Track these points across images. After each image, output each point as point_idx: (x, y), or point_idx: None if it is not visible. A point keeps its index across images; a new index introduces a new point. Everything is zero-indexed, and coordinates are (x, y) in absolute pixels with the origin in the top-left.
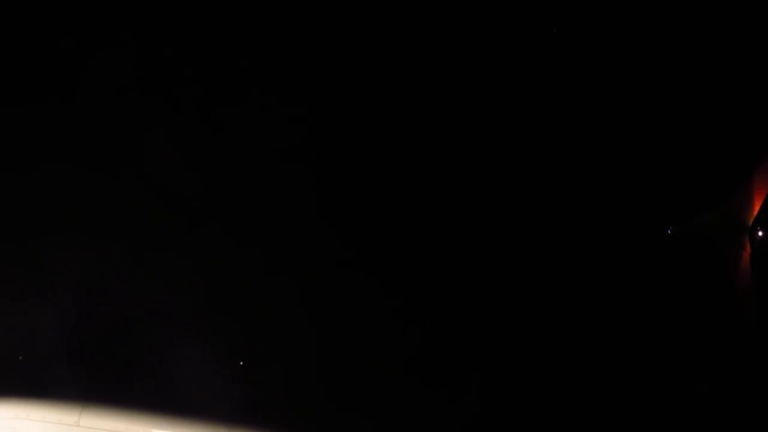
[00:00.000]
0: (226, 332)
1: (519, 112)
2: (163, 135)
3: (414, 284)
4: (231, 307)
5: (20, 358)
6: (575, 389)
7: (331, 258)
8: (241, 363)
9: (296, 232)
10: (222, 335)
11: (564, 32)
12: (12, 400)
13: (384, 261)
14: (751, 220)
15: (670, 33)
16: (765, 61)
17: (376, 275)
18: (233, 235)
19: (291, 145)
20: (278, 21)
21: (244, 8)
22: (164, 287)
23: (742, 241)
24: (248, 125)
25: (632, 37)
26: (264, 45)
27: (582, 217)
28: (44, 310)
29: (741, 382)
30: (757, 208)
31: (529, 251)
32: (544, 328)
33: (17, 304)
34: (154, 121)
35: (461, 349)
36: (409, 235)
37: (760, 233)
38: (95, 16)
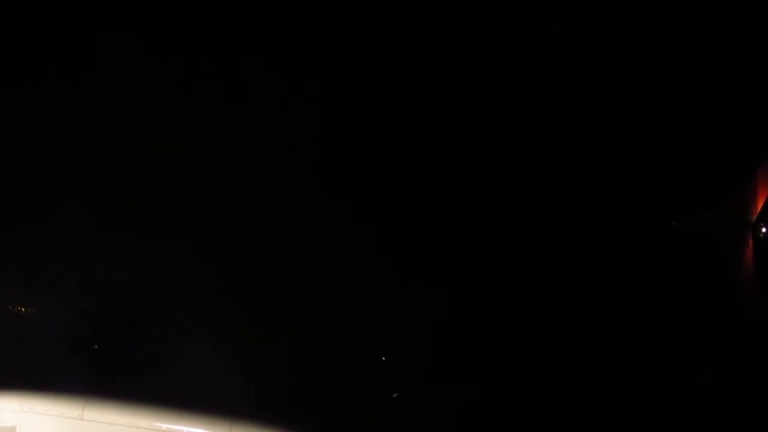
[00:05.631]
0: (232, 325)
1: (522, 112)
2: (169, 126)
3: (424, 277)
4: (237, 300)
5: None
6: (578, 382)
7: (341, 250)
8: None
9: (307, 224)
10: (228, 328)
11: (564, 32)
12: (15, 393)
13: (395, 253)
14: (754, 217)
15: (672, 32)
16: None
17: (386, 266)
18: (240, 227)
19: (298, 135)
20: (281, 15)
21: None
22: (169, 279)
23: (745, 237)
24: (255, 115)
25: (634, 37)
26: (268, 37)
27: (587, 212)
28: (48, 302)
29: (743, 376)
30: (760, 205)
31: (535, 246)
32: (549, 322)
33: (21, 295)
34: (160, 112)
35: (469, 345)
36: (420, 227)
37: (764, 229)
38: (98, 10)
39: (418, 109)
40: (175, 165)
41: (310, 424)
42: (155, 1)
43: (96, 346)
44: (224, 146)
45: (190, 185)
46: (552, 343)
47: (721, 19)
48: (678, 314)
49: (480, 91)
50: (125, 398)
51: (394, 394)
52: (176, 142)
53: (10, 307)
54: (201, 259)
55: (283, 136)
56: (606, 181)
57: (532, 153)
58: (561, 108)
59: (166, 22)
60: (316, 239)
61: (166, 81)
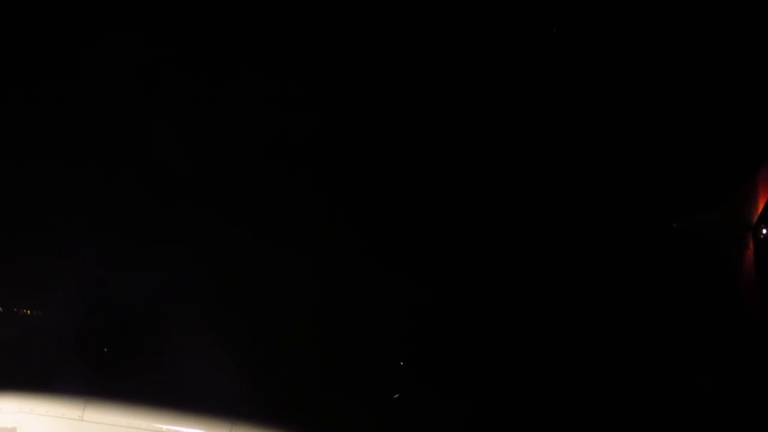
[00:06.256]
0: (232, 326)
1: (521, 112)
2: (170, 127)
3: (423, 279)
4: (237, 301)
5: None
6: (578, 385)
7: (339, 251)
8: (396, 396)
9: (307, 224)
10: (228, 329)
11: (564, 32)
12: (15, 394)
13: (393, 255)
14: (754, 218)
15: (672, 33)
16: None
17: (384, 268)
18: (240, 228)
19: (298, 137)
20: (281, 17)
21: (249, 4)
22: (170, 280)
23: (745, 239)
24: (254, 117)
25: (634, 37)
26: (268, 40)
27: (588, 214)
28: (49, 303)
29: (743, 379)
30: (761, 207)
31: (535, 247)
32: (548, 324)
33: (22, 297)
34: (161, 113)
35: (468, 347)
36: (418, 231)
37: (764, 231)
38: (97, 11)
39: (417, 109)
40: (176, 166)
41: (310, 424)
42: (155, 3)
43: (105, 350)
44: (223, 147)
45: (190, 186)
46: (552, 345)
47: (721, 19)
48: (678, 316)
49: (479, 91)
50: (126, 399)
51: (395, 395)
52: (176, 143)
53: (13, 309)
54: (201, 261)
55: (282, 136)
56: (606, 183)
57: (532, 154)
58: (561, 109)
59: (164, 22)
60: (316, 239)
61: (166, 82)
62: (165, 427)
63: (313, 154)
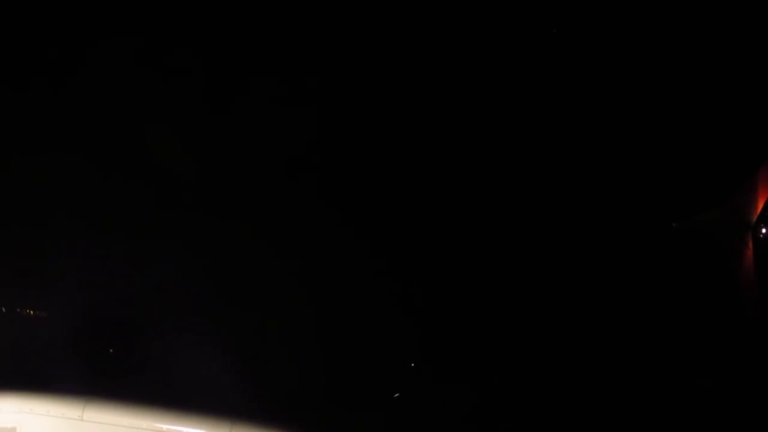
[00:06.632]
0: (232, 325)
1: (521, 112)
2: (170, 126)
3: (423, 278)
4: (236, 300)
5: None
6: (577, 384)
7: (339, 251)
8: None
9: (307, 225)
10: (227, 328)
11: (564, 32)
12: (15, 394)
13: (394, 254)
14: (754, 218)
15: (672, 33)
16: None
17: (385, 267)
18: (240, 228)
19: (299, 137)
20: (283, 17)
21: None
22: (169, 280)
23: (745, 239)
24: (255, 116)
25: (634, 37)
26: (269, 39)
27: (587, 214)
28: (49, 304)
29: (743, 379)
30: (760, 206)
31: (535, 247)
32: (548, 323)
33: (22, 297)
34: (161, 112)
35: (470, 345)
36: (419, 230)
37: (764, 230)
38: (100, 8)
39: (417, 109)
40: (175, 166)
41: (310, 424)
42: (154, 2)
43: (111, 350)
44: (222, 147)
45: (190, 187)
46: (552, 345)
47: (721, 19)
48: (678, 315)
49: (479, 91)
50: (126, 399)
51: (396, 394)
52: (176, 144)
53: (15, 309)
54: (202, 261)
55: (281, 136)
56: (606, 183)
57: (532, 154)
58: (561, 109)
59: (162, 22)
60: (317, 240)
61: (164, 83)
62: (165, 427)
63: (313, 153)
